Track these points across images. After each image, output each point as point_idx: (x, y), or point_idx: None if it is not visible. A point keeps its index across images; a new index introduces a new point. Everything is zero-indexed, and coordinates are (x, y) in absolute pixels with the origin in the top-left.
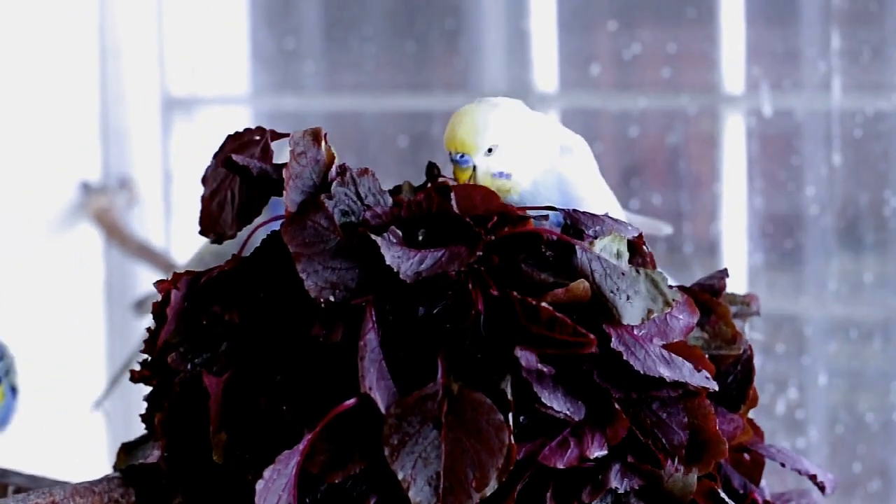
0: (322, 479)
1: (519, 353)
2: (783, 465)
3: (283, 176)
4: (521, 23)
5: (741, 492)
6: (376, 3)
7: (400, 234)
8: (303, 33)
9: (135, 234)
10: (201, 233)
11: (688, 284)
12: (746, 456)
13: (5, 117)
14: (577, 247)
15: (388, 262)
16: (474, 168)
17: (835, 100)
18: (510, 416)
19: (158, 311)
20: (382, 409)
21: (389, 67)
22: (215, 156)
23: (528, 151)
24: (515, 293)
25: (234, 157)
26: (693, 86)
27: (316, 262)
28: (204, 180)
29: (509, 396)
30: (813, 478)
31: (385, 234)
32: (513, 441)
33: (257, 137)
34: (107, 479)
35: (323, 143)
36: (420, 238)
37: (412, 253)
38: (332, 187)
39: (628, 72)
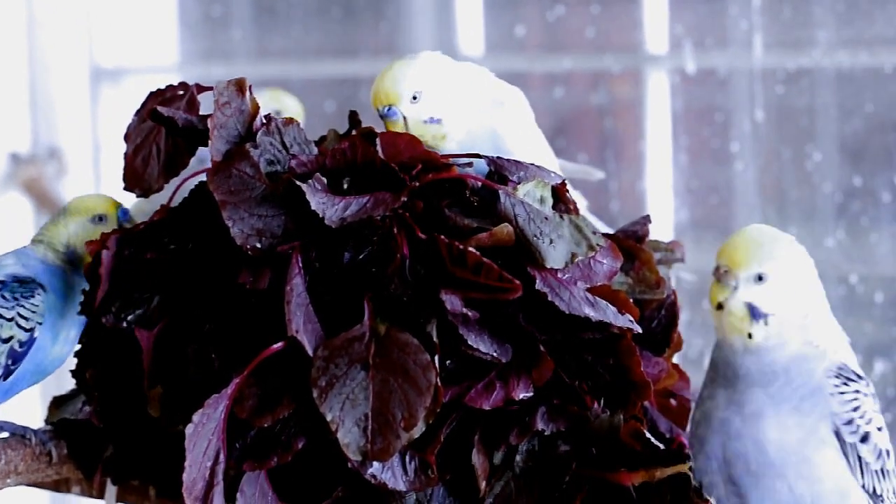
0: (251, 424)
1: (444, 296)
2: None
3: (208, 126)
4: None
5: (668, 436)
6: None
7: (325, 181)
8: (230, 1)
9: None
10: (126, 188)
11: None
12: (673, 402)
13: None
14: (500, 192)
15: (313, 208)
16: (405, 119)
17: (757, 57)
18: (436, 357)
19: (91, 272)
20: (310, 352)
21: (317, 33)
22: (137, 112)
23: (458, 96)
24: (443, 237)
25: (160, 108)
26: (617, 46)
27: (242, 210)
28: (126, 137)
29: (435, 338)
30: None
31: (310, 182)
32: (439, 382)
33: (181, 92)
34: (40, 431)
35: (247, 94)
36: (345, 185)
37: (337, 199)
38: (258, 136)
39: (553, 33)
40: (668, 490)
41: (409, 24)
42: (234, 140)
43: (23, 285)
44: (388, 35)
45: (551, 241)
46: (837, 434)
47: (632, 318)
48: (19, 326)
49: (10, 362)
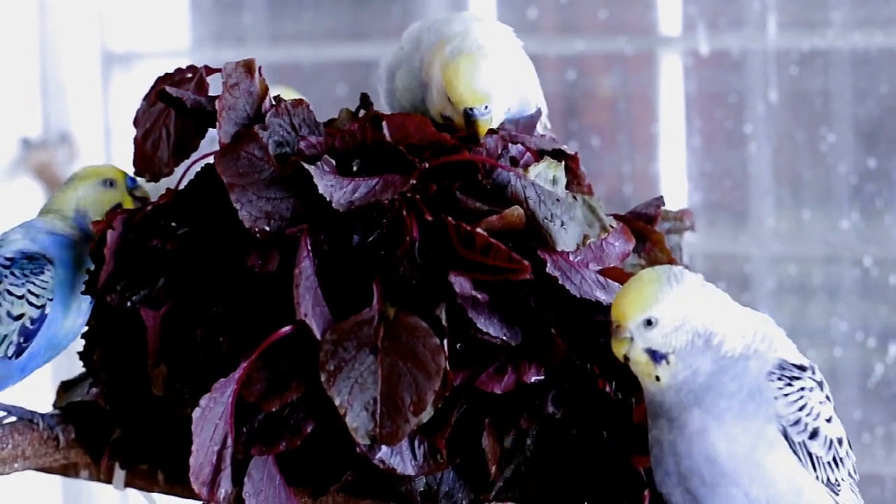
0: (259, 408)
1: (453, 278)
2: None
3: (217, 107)
4: None
5: None
6: None
7: (333, 163)
8: None
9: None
10: (136, 173)
11: None
12: None
13: None
14: (511, 174)
15: (321, 191)
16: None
17: (771, 38)
18: (445, 340)
19: (96, 251)
20: (318, 335)
21: (328, 17)
22: (146, 96)
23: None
24: (451, 219)
25: (168, 89)
26: (630, 28)
27: (250, 192)
28: (136, 121)
29: (444, 322)
30: None
31: (318, 164)
32: (448, 365)
33: (190, 75)
34: (47, 415)
35: (256, 75)
36: (355, 168)
37: (345, 182)
38: (267, 118)
39: (566, 15)
40: None
41: (421, 6)
42: (242, 122)
43: (32, 262)
44: (400, 18)
45: (563, 224)
46: (785, 434)
47: None
48: (30, 304)
49: (22, 339)
